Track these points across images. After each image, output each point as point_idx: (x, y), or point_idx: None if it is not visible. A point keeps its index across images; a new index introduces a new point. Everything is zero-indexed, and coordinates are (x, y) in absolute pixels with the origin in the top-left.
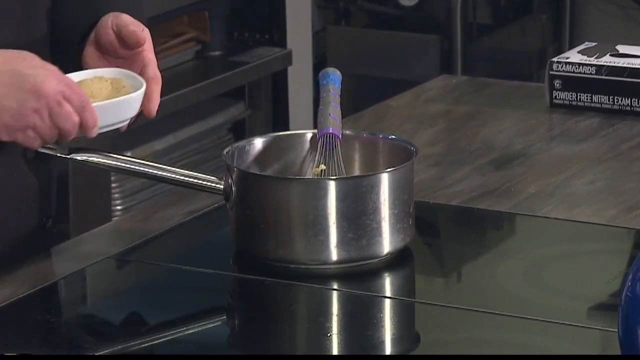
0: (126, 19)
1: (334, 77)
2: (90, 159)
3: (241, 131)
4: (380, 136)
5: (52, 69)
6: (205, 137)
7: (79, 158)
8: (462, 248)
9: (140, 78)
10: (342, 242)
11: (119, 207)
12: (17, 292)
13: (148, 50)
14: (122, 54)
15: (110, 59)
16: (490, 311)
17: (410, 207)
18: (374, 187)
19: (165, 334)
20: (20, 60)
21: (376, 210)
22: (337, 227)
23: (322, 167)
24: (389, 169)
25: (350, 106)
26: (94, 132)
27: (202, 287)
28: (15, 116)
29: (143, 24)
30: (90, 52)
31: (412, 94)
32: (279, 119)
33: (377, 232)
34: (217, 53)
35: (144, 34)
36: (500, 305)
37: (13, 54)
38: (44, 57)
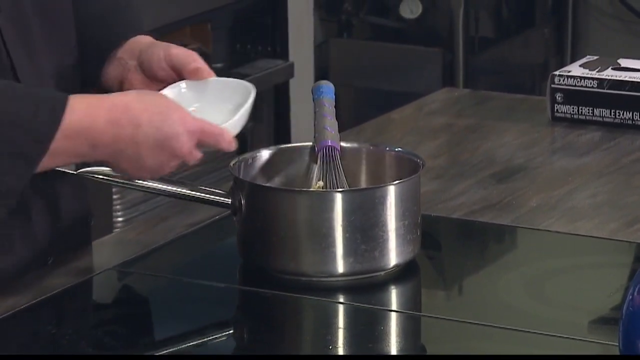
0: (181, 57)
1: (326, 89)
2: (98, 175)
3: (243, 143)
4: (387, 148)
5: (184, 120)
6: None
7: (87, 175)
8: (464, 261)
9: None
10: (355, 254)
11: (120, 219)
12: (19, 302)
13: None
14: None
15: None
16: (492, 324)
17: (418, 219)
18: (387, 199)
19: (169, 347)
20: (161, 119)
21: (389, 221)
22: (350, 239)
23: (320, 183)
24: (401, 180)
25: (352, 119)
26: (232, 147)
27: (206, 300)
28: (154, 171)
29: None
30: (137, 79)
31: (414, 106)
32: (281, 131)
33: (390, 243)
34: (219, 65)
35: (199, 61)
36: (502, 319)
37: (153, 109)
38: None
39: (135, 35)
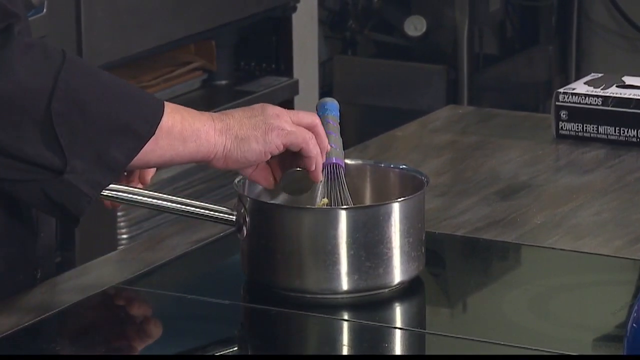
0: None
1: (331, 106)
2: (103, 192)
3: None
4: (391, 165)
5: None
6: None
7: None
8: (468, 278)
9: None
10: (359, 271)
11: (124, 236)
12: (22, 320)
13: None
14: None
15: None
16: (497, 342)
17: (422, 236)
18: (391, 216)
19: None
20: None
21: (393, 238)
22: (355, 257)
23: (325, 200)
24: (406, 197)
25: (356, 136)
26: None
27: (210, 317)
28: (261, 126)
29: None
30: None
31: (418, 124)
32: None
33: (394, 260)
34: (223, 82)
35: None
36: (506, 336)
37: None
38: None
39: None
